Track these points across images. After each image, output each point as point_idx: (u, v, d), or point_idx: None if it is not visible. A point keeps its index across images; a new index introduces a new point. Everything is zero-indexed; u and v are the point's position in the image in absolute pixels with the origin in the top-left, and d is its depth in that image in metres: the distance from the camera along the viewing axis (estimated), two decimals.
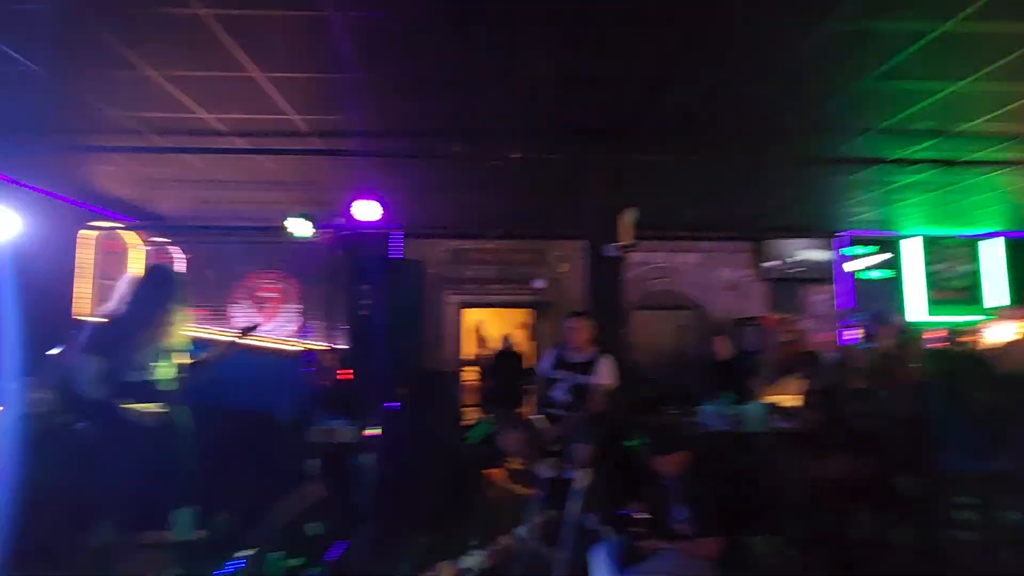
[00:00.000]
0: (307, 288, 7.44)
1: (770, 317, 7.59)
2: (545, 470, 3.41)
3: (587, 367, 3.67)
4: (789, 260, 8.10)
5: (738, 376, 5.32)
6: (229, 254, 7.46)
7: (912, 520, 3.76)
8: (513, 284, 7.79)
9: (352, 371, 5.02)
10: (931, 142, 4.55)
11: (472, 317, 8.72)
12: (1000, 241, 8.17)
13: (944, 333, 7.23)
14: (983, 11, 2.75)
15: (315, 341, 7.09)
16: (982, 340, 6.99)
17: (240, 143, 4.52)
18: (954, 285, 8.24)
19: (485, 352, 8.56)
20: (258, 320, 6.50)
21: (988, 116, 4.05)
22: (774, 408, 3.88)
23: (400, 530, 3.63)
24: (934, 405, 3.83)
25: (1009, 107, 3.89)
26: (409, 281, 4.87)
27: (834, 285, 8.19)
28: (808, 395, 3.80)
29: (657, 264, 8.18)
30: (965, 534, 3.83)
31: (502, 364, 7.39)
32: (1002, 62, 3.25)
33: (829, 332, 8.06)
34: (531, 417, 3.73)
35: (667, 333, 8.18)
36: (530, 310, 8.31)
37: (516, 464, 3.65)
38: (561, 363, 3.80)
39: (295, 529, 3.57)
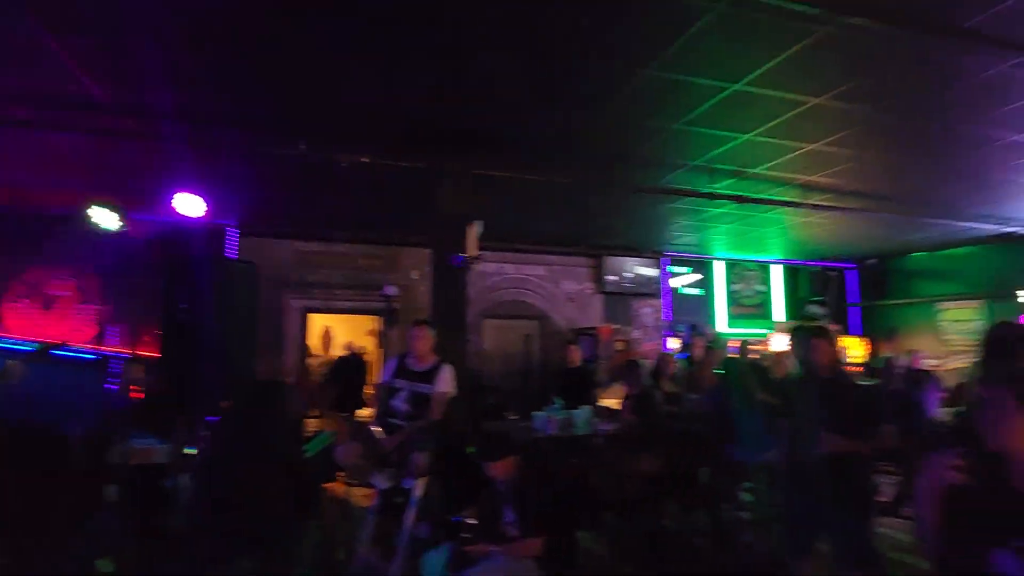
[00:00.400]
0: (110, 288, 6.44)
1: (605, 327, 8.28)
2: (382, 481, 3.35)
3: (428, 376, 3.67)
4: (623, 275, 8.95)
5: (582, 382, 5.75)
6: (4, 244, 6.17)
7: (708, 506, 4.34)
8: (362, 290, 7.54)
9: (167, 382, 4.45)
10: (730, 181, 5.36)
11: (319, 323, 8.26)
12: (780, 268, 9.90)
13: (739, 343, 8.50)
14: (760, 79, 3.34)
15: (121, 348, 6.15)
16: (767, 349, 8.36)
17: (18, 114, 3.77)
18: (749, 302, 9.79)
19: (328, 359, 8.14)
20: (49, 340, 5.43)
21: (769, 164, 4.89)
22: (600, 412, 4.23)
23: (221, 556, 3.30)
24: (728, 405, 4.49)
25: (783, 158, 4.74)
26: (240, 283, 4.48)
27: (660, 299, 9.23)
28: (626, 399, 4.22)
29: (507, 275, 8.52)
30: (745, 514, 4.56)
31: (344, 371, 7.08)
32: (775, 122, 3.96)
33: (655, 341, 9.04)
34: (368, 426, 3.63)
35: (515, 341, 8.53)
36: (379, 317, 8.10)
37: (351, 476, 3.53)
38: (402, 372, 3.76)
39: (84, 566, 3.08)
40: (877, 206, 6.09)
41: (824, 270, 9.97)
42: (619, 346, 8.25)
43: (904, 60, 3.11)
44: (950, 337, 8.35)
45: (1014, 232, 6.98)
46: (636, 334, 8.94)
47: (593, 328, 8.29)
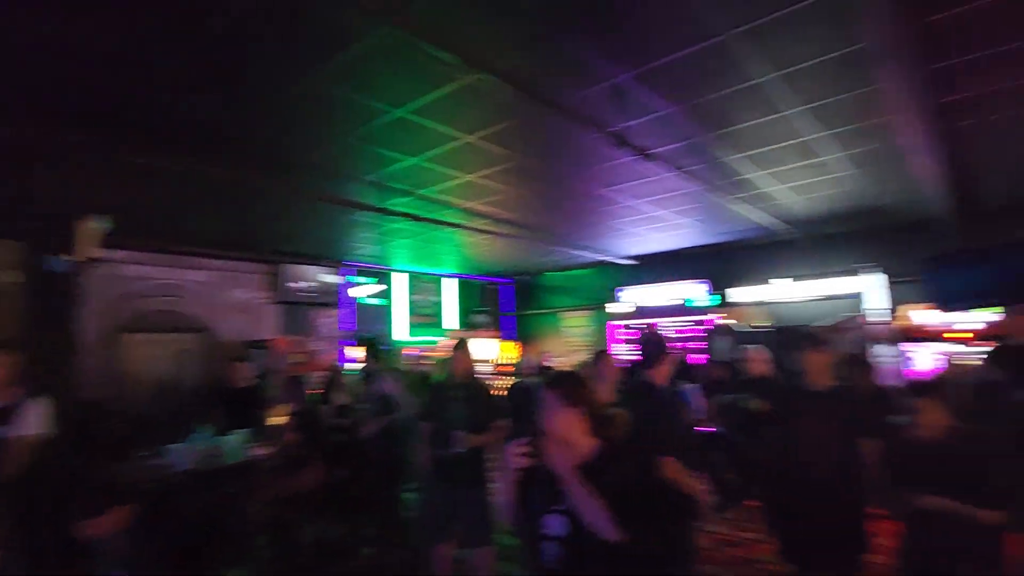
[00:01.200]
0: None
1: (281, 339, 7.74)
2: None
3: (5, 415, 2.76)
4: (303, 284, 8.53)
5: (249, 402, 5.15)
6: None
7: (378, 512, 4.44)
8: None
9: None
10: (405, 199, 5.68)
11: None
12: (455, 281, 11.03)
13: (418, 351, 9.09)
14: (422, 110, 3.64)
15: None
16: (439, 355, 9.11)
17: None
18: (426, 312, 10.57)
19: None
20: None
21: (437, 187, 5.38)
22: (265, 433, 3.90)
23: None
24: (396, 412, 4.71)
25: (447, 184, 5.27)
26: None
27: (339, 309, 9.11)
28: (291, 416, 4.01)
29: (157, 281, 7.14)
30: (411, 513, 4.85)
31: None
32: (437, 151, 4.38)
33: (332, 352, 8.87)
34: None
35: (167, 359, 7.20)
36: None
37: None
38: None
39: None
40: (522, 233, 7.36)
41: (487, 284, 11.53)
42: (299, 359, 7.81)
43: (531, 117, 3.82)
44: (570, 339, 10.69)
45: (606, 260, 9.38)
46: (316, 345, 8.62)
47: (267, 340, 7.64)
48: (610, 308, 9.53)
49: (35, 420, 2.79)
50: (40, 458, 2.81)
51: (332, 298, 8.87)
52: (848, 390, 2.97)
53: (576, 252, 8.59)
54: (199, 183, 4.86)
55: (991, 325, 5.68)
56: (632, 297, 9.51)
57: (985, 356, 4.06)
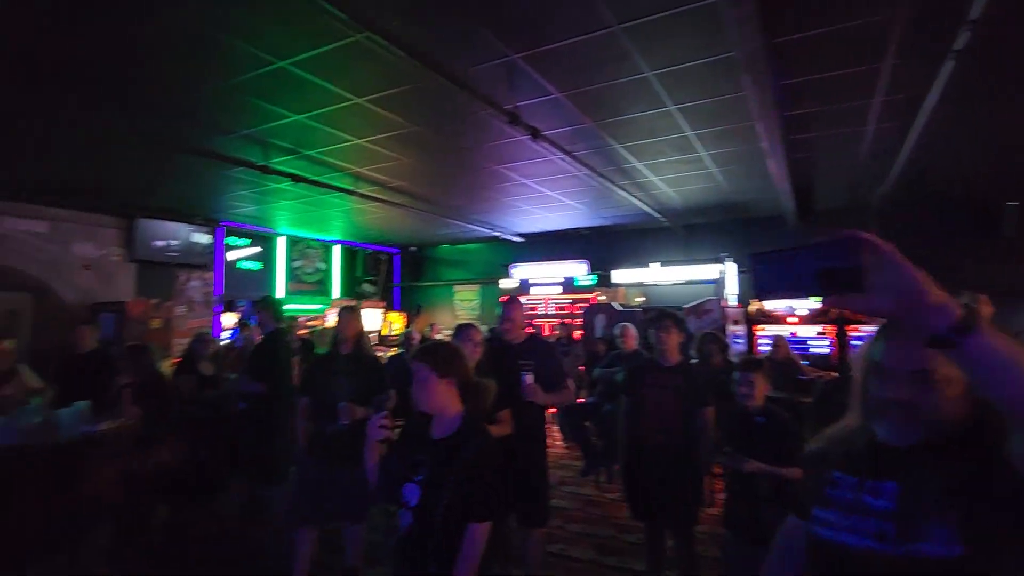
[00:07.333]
0: None
1: (136, 301, 6.99)
2: None
3: None
4: (168, 242, 7.73)
5: (97, 370, 4.59)
6: None
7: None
8: None
9: None
10: (287, 158, 5.32)
11: None
12: (339, 248, 10.59)
13: (301, 319, 8.65)
14: (306, 63, 3.42)
15: None
16: (323, 324, 8.78)
17: None
18: (309, 279, 10.07)
19: None
20: None
21: (323, 149, 5.10)
22: (104, 405, 3.52)
23: None
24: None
25: (334, 147, 5.02)
26: None
27: (211, 272, 8.40)
28: (126, 387, 3.65)
29: None
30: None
31: None
32: (323, 110, 4.15)
33: (204, 318, 8.19)
34: None
35: None
36: None
37: None
38: None
39: None
40: (414, 203, 7.23)
41: (376, 253, 11.21)
42: (155, 324, 7.11)
43: (424, 85, 3.73)
44: (460, 312, 10.78)
45: (499, 236, 9.53)
46: (181, 310, 7.90)
47: (120, 303, 6.87)
48: (504, 284, 9.72)
49: None
50: None
51: (202, 259, 8.14)
52: (696, 365, 3.34)
53: (469, 226, 8.63)
54: (42, 120, 4.20)
55: (816, 311, 6.71)
56: (521, 273, 9.77)
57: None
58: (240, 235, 8.84)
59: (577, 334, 8.30)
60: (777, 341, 5.52)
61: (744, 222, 8.30)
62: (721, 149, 5.11)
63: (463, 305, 10.85)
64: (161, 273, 7.75)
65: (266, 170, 5.36)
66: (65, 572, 2.92)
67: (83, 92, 3.78)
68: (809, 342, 6.84)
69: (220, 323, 8.34)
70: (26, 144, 4.82)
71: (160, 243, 7.63)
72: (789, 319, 6.98)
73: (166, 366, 4.75)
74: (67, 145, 4.90)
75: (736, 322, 7.02)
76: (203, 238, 8.12)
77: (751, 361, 2.68)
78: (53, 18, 2.90)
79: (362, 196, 6.60)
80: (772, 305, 6.94)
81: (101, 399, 3.84)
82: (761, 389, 2.61)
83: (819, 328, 6.82)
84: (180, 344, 6.54)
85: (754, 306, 7.16)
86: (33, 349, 6.19)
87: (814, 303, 6.60)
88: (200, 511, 3.95)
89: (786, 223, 7.39)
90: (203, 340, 4.69)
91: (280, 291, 9.46)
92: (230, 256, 8.75)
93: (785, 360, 5.34)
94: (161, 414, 3.50)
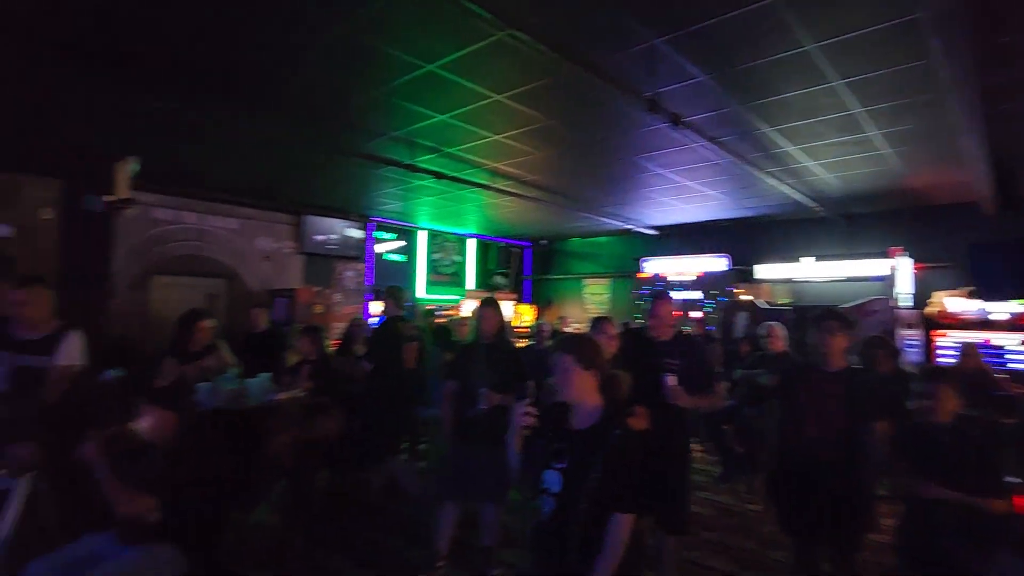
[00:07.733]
0: None
1: (304, 289, 7.92)
2: None
3: (43, 345, 2.92)
4: (328, 237, 8.66)
5: (270, 348, 5.35)
6: None
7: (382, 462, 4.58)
8: None
9: None
10: (430, 156, 5.67)
11: None
12: (474, 241, 11.05)
13: (434, 307, 9.21)
14: (451, 66, 3.59)
15: None
16: (458, 314, 9.24)
17: None
18: (446, 271, 10.66)
19: None
20: None
21: (463, 146, 5.34)
22: (277, 379, 4.05)
23: None
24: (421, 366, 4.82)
25: (474, 143, 5.23)
26: None
27: (364, 263, 9.26)
28: (306, 364, 4.14)
29: (187, 226, 7.31)
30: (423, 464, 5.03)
31: None
32: (465, 108, 4.33)
33: (356, 304, 9.06)
34: None
35: (193, 302, 7.44)
36: None
37: None
38: (3, 342, 2.90)
39: None
40: (547, 196, 7.30)
41: (508, 246, 11.53)
42: (318, 309, 8.01)
43: (562, 78, 3.74)
44: (590, 306, 10.71)
45: (631, 229, 9.28)
46: (337, 297, 8.81)
47: (291, 290, 7.84)
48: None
49: (75, 351, 2.95)
50: (76, 387, 2.98)
51: (356, 252, 9.01)
52: (864, 372, 2.96)
53: (601, 219, 8.51)
54: (229, 132, 4.91)
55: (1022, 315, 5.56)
56: (655, 268, 9.44)
57: None
58: (387, 230, 9.62)
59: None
60: (966, 349, 4.70)
61: (921, 211, 7.16)
62: (896, 127, 4.46)
63: (593, 299, 10.76)
64: (322, 264, 8.70)
65: (412, 168, 5.76)
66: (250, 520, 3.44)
67: (261, 104, 4.34)
68: (1008, 353, 5.74)
69: (369, 310, 9.16)
70: (215, 151, 5.64)
71: (321, 237, 8.57)
72: (979, 324, 5.88)
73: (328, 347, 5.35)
74: (244, 151, 5.65)
75: (910, 325, 6.12)
76: (356, 233, 8.98)
77: (937, 370, 2.31)
78: (237, 41, 3.36)
79: (497, 191, 6.81)
80: (959, 307, 5.91)
81: (275, 372, 4.45)
82: (949, 403, 2.25)
83: (1022, 336, 5.68)
84: (336, 328, 7.29)
85: (934, 308, 6.17)
86: (225, 328, 7.31)
87: (1020, 306, 5.49)
88: (354, 479, 4.39)
89: (980, 211, 6.22)
90: (358, 324, 5.19)
91: (421, 281, 10.14)
92: (378, 249, 9.56)
93: (976, 371, 4.54)
94: (327, 389, 3.93)
